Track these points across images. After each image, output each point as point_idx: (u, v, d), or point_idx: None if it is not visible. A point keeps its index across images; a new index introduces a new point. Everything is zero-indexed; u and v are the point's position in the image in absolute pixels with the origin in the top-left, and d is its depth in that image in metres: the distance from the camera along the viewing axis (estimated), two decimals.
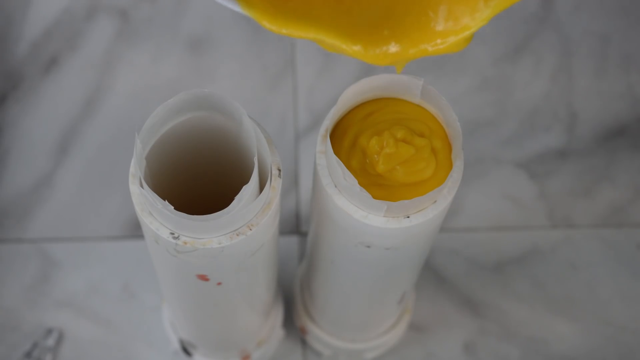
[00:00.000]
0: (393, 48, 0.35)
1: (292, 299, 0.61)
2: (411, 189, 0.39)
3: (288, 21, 0.34)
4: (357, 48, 0.34)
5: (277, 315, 0.58)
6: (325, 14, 0.34)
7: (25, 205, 0.66)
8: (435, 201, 0.39)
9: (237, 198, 0.36)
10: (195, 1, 0.72)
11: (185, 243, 0.37)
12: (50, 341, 0.61)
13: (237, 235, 0.37)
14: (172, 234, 0.37)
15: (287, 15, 0.34)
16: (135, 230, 0.65)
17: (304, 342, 0.62)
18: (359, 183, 0.37)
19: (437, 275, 0.65)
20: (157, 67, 0.70)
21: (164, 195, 0.38)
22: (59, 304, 0.63)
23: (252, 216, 0.38)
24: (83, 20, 0.71)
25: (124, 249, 0.65)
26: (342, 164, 0.38)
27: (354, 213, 0.39)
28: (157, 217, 0.37)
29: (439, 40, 0.35)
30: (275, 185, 0.38)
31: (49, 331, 0.61)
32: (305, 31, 0.34)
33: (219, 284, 0.42)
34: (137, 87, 0.69)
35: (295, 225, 0.66)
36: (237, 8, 0.33)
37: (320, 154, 0.40)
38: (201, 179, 0.45)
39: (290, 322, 0.62)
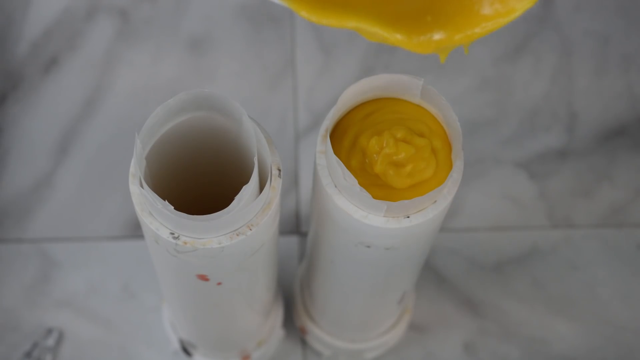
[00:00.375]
0: (437, 35, 0.34)
1: (292, 299, 0.61)
2: (411, 189, 0.39)
3: (327, 11, 0.32)
4: (399, 36, 0.33)
5: (277, 315, 0.58)
6: (365, 2, 0.33)
7: (25, 205, 0.66)
8: (435, 201, 0.39)
9: (237, 198, 0.36)
10: (195, 1, 0.72)
11: (185, 243, 0.37)
12: (50, 341, 0.61)
13: (237, 235, 0.37)
14: (172, 234, 0.37)
15: (327, 4, 0.32)
16: (135, 230, 0.65)
17: (304, 342, 0.62)
18: (359, 183, 0.37)
19: (437, 275, 0.65)
20: (157, 67, 0.70)
21: (164, 195, 0.38)
22: (59, 304, 0.63)
23: (252, 216, 0.38)
24: (83, 20, 0.71)
25: (124, 249, 0.65)
26: (342, 164, 0.38)
27: (354, 213, 0.39)
28: (157, 217, 0.37)
29: (484, 24, 0.34)
30: (275, 185, 0.38)
31: (49, 331, 0.61)
32: (346, 20, 0.32)
33: (219, 284, 0.42)
34: (137, 87, 0.69)
35: (295, 225, 0.66)
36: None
37: (320, 154, 0.40)
38: (201, 179, 0.45)
39: (290, 322, 0.62)
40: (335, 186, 0.39)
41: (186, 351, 0.58)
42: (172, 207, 0.35)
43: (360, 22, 0.33)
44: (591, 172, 0.68)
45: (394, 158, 0.39)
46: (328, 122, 0.40)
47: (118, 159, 0.67)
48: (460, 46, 0.35)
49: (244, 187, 0.36)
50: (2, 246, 0.64)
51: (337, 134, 0.41)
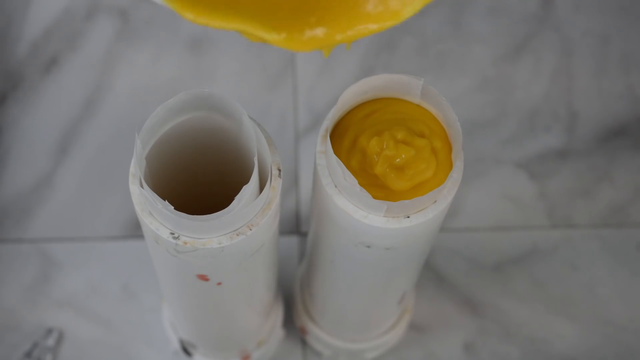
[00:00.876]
0: (319, 32, 0.34)
1: (292, 299, 0.61)
2: (411, 189, 0.39)
3: (211, 12, 0.32)
4: (281, 36, 0.34)
5: (277, 315, 0.58)
6: (246, 2, 0.33)
7: (25, 205, 0.66)
8: (435, 201, 0.39)
9: (237, 198, 0.36)
10: None
11: (185, 243, 0.37)
12: (50, 341, 0.61)
13: (237, 235, 0.37)
14: (172, 234, 0.37)
15: (210, 5, 0.32)
16: (135, 230, 0.65)
17: (304, 342, 0.62)
18: (359, 183, 0.37)
19: (437, 275, 0.65)
20: (157, 67, 0.70)
21: (164, 195, 0.38)
22: (59, 304, 0.63)
23: (252, 216, 0.38)
24: (83, 20, 0.71)
25: (124, 249, 0.65)
26: (342, 164, 0.38)
27: (354, 213, 0.39)
28: (157, 217, 0.37)
29: (370, 25, 0.34)
30: (275, 185, 0.38)
31: (49, 331, 0.61)
32: (229, 22, 0.32)
33: (219, 284, 0.42)
34: (137, 87, 0.69)
35: (295, 225, 0.66)
36: (158, 0, 0.32)
37: (320, 154, 0.40)
38: (201, 179, 0.45)
39: (290, 322, 0.62)
40: (335, 186, 0.39)
41: (186, 351, 0.58)
42: (172, 207, 0.35)
43: (243, 24, 0.33)
44: (591, 172, 0.68)
45: (395, 161, 0.39)
46: (328, 122, 0.40)
47: (118, 159, 0.67)
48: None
49: (244, 187, 0.36)
50: (2, 246, 0.64)
51: (337, 134, 0.41)
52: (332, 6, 0.33)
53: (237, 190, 0.36)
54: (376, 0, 0.33)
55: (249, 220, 0.38)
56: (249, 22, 0.33)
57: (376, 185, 0.39)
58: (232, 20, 0.33)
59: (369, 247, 0.41)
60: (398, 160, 0.39)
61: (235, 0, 0.33)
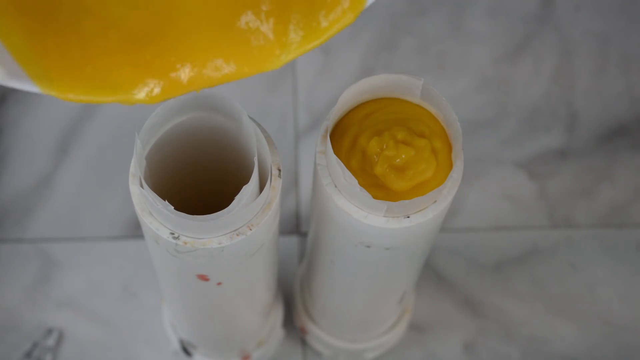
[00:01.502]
0: (187, 76, 0.36)
1: (292, 299, 0.61)
2: (411, 189, 0.39)
3: (90, 89, 0.34)
4: (155, 94, 0.35)
5: (277, 315, 0.58)
6: (124, 75, 0.34)
7: (25, 205, 0.66)
8: (435, 201, 0.39)
9: (237, 198, 0.36)
10: None
11: (185, 243, 0.37)
12: (50, 341, 0.61)
13: (237, 235, 0.37)
14: (172, 234, 0.37)
15: (88, 84, 0.33)
16: (135, 230, 0.65)
17: (304, 342, 0.62)
18: (359, 183, 0.37)
19: (437, 275, 0.65)
20: None
21: (164, 195, 0.38)
22: (59, 304, 0.63)
23: (252, 216, 0.38)
24: None
25: (124, 249, 0.65)
26: (342, 164, 0.38)
27: (354, 213, 0.39)
28: (157, 217, 0.37)
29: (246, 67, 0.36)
30: (275, 185, 0.38)
31: (49, 331, 0.61)
32: (108, 96, 0.34)
33: (219, 284, 0.42)
34: None
35: (295, 225, 0.66)
36: (36, 89, 0.32)
37: (320, 154, 0.40)
38: (201, 179, 0.45)
39: (290, 322, 0.62)
40: (335, 186, 0.39)
41: (186, 351, 0.58)
42: (172, 207, 0.35)
43: (118, 96, 0.34)
44: (591, 172, 0.68)
45: (395, 161, 0.39)
46: (328, 122, 0.40)
47: (118, 159, 0.67)
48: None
49: (244, 187, 0.36)
50: (2, 246, 0.64)
51: (337, 134, 0.41)
52: (205, 58, 0.35)
53: (237, 190, 0.36)
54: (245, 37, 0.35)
55: (249, 220, 0.38)
56: (122, 93, 0.34)
57: (376, 185, 0.39)
58: (109, 94, 0.34)
59: (369, 247, 0.41)
60: (398, 160, 0.39)
61: (112, 72, 0.34)
